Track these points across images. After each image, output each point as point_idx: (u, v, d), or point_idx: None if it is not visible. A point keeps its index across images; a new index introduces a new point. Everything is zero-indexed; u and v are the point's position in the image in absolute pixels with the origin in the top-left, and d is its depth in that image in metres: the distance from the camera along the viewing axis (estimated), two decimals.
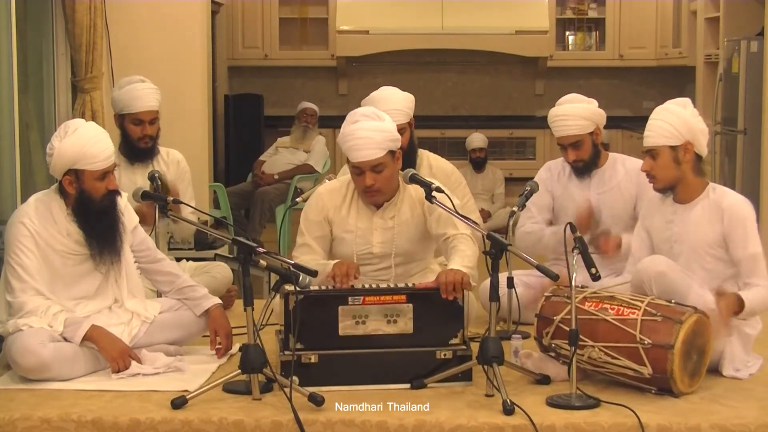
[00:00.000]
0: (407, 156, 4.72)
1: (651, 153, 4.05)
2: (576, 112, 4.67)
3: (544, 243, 4.81)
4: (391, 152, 4.15)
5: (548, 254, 4.84)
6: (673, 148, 4.01)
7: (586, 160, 4.76)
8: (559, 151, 4.85)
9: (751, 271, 3.95)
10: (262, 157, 9.00)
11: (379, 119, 4.14)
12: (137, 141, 5.05)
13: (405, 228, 4.26)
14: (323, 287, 3.99)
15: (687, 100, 4.09)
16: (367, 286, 3.98)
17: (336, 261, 4.18)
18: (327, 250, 4.32)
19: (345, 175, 4.46)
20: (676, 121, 4.00)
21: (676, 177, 4.05)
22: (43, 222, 4.03)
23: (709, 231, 4.02)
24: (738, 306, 3.88)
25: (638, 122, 9.83)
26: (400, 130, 4.66)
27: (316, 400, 3.60)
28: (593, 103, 4.75)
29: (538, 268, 3.72)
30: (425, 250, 4.37)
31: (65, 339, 3.94)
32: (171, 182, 4.92)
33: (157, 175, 4.81)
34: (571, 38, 11.22)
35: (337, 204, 4.30)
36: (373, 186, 4.13)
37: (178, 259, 5.12)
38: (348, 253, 4.28)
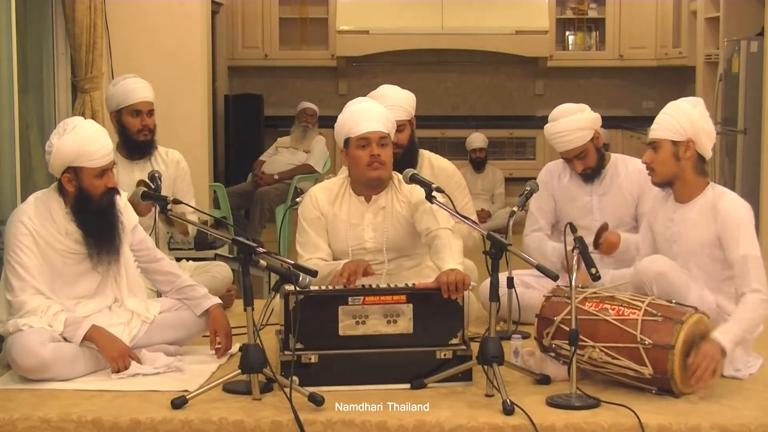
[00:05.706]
0: (408, 155, 4.72)
1: (653, 145, 4.05)
2: (572, 126, 4.63)
3: (548, 258, 4.76)
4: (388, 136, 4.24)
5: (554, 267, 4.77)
6: (674, 143, 4.01)
7: (593, 167, 4.74)
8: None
9: (742, 273, 3.89)
10: (262, 157, 9.00)
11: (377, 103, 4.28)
12: (136, 133, 5.04)
13: (395, 221, 4.28)
14: (330, 287, 3.99)
15: (699, 100, 4.09)
16: (367, 286, 3.98)
17: (346, 261, 4.18)
18: (329, 245, 4.33)
19: (343, 174, 4.46)
20: (681, 117, 4.00)
21: (675, 173, 4.05)
22: (43, 221, 4.02)
23: (704, 231, 4.02)
24: (720, 353, 3.71)
25: (638, 122, 9.89)
26: (401, 126, 4.66)
27: (316, 400, 3.60)
28: (585, 110, 4.71)
29: (538, 268, 3.73)
30: (416, 246, 4.36)
31: (65, 339, 3.93)
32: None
33: (157, 175, 4.82)
34: (571, 38, 11.20)
35: (330, 200, 4.33)
36: (380, 156, 4.17)
37: (178, 259, 5.12)
38: (342, 248, 4.30)
